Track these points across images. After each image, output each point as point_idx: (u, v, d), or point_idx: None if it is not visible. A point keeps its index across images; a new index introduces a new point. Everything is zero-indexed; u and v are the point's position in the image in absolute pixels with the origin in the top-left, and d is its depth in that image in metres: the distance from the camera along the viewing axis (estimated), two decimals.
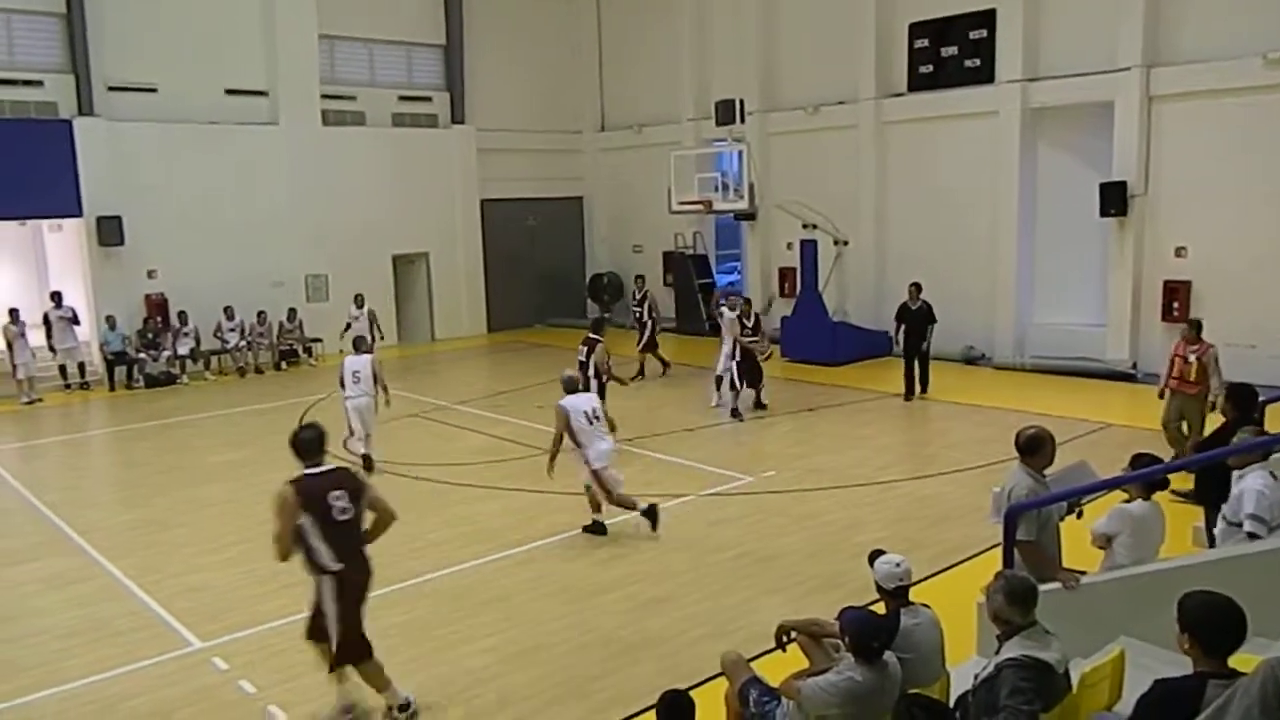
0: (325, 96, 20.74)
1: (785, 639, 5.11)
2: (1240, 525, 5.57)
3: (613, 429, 9.24)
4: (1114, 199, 15.36)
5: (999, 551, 5.58)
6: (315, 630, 5.65)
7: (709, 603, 7.51)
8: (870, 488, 10.38)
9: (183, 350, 18.42)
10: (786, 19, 20.37)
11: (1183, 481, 7.72)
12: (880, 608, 4.88)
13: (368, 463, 11.31)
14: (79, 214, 17.69)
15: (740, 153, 18.46)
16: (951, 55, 17.86)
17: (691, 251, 22.68)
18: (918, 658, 4.59)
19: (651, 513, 8.94)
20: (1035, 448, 5.54)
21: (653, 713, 4.47)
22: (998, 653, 4.12)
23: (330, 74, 21.12)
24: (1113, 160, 15.63)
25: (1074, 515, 6.12)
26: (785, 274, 20.55)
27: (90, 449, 14.36)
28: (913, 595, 4.86)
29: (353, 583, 5.56)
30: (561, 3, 24.59)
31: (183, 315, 18.46)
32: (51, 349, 17.26)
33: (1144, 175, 15.42)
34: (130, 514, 10.53)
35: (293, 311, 19.75)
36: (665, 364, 17.14)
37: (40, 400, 16.55)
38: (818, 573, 8.02)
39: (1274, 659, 3.16)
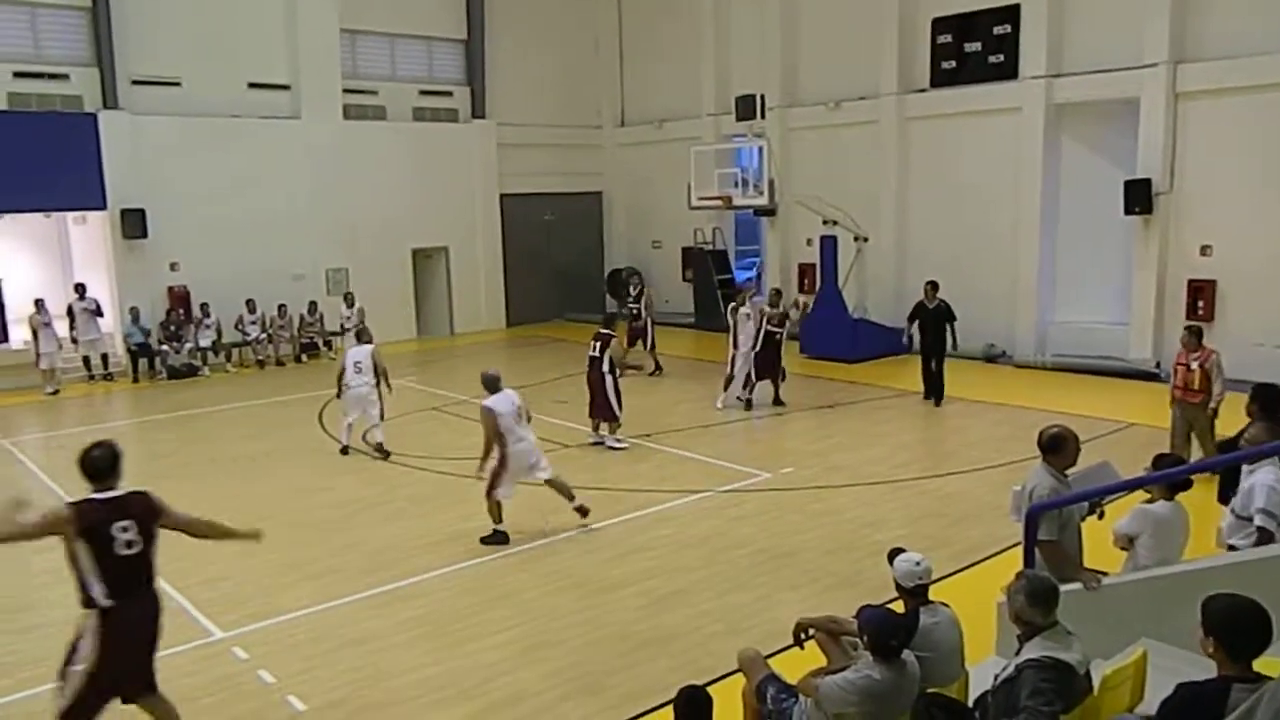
0: (347, 91, 20.83)
1: (803, 636, 5.08)
2: (1250, 520, 5.51)
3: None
4: (1139, 197, 15.19)
5: (1019, 551, 5.55)
6: (62, 668, 4.94)
7: (725, 599, 7.49)
8: (889, 485, 10.33)
9: (204, 342, 18.55)
10: (808, 13, 20.26)
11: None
12: (899, 606, 4.85)
13: (380, 450, 11.86)
14: (103, 207, 17.84)
15: (760, 148, 18.37)
16: (975, 51, 17.71)
17: (711, 247, 22.62)
18: (937, 657, 4.56)
19: (498, 538, 8.69)
20: (1057, 446, 5.49)
21: (667, 709, 4.45)
22: (1018, 653, 4.10)
23: (352, 68, 21.22)
24: (1137, 157, 15.46)
25: (1096, 515, 6.08)
26: (805, 270, 20.46)
27: (113, 439, 14.44)
28: (932, 594, 4.84)
29: (127, 622, 4.89)
30: None
31: (205, 307, 18.60)
32: (74, 340, 17.45)
33: (1169, 173, 15.25)
34: None
35: (313, 304, 19.88)
36: (658, 366, 17.04)
37: (59, 391, 16.70)
38: (836, 570, 8.00)
39: None
